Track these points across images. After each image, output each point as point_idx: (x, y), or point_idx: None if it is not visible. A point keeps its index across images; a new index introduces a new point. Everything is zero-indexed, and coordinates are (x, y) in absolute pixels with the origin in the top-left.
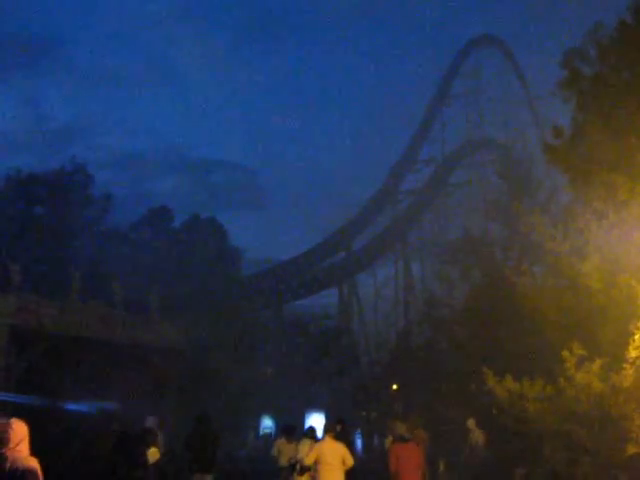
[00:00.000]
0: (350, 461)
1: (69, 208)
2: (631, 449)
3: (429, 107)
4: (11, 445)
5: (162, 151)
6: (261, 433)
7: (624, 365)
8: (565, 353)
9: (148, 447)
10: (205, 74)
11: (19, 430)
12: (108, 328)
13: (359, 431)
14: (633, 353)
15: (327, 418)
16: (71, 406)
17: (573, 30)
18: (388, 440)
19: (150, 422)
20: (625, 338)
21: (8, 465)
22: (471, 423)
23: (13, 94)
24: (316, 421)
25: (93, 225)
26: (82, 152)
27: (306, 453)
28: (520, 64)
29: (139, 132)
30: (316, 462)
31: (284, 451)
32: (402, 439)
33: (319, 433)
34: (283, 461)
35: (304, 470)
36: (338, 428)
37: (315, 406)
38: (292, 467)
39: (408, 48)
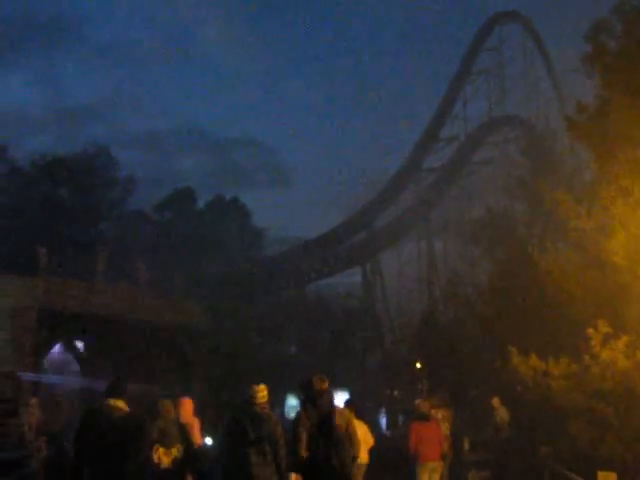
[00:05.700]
0: (370, 440)
1: (93, 190)
2: None
3: (452, 84)
4: None
5: (184, 131)
6: (286, 412)
7: None
8: (590, 330)
9: None
10: (226, 52)
11: None
12: (133, 309)
13: (384, 409)
14: None
15: (350, 397)
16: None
17: (599, 5)
18: None
19: None
20: None
21: None
22: (496, 401)
23: (32, 74)
24: (341, 400)
25: (117, 207)
26: (103, 132)
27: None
28: (543, 39)
29: (161, 112)
30: None
31: None
32: (423, 417)
33: None
34: None
35: None
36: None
37: (340, 385)
38: None
39: (431, 24)
